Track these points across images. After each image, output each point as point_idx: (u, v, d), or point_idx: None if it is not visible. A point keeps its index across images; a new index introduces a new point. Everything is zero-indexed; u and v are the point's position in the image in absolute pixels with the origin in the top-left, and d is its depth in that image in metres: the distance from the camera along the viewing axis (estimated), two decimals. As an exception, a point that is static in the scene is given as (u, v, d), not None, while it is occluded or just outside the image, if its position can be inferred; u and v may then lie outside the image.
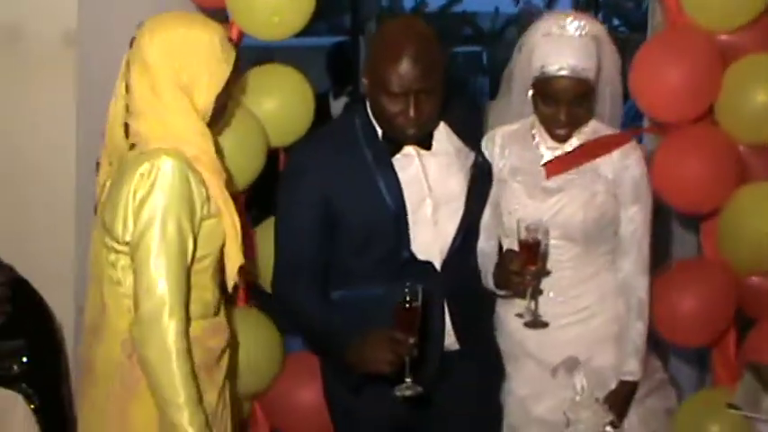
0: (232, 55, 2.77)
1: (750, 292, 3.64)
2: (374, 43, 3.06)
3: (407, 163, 3.04)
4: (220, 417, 2.84)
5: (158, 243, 2.62)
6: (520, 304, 3.15)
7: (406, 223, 3.01)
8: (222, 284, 2.91)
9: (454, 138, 3.12)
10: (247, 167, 3.46)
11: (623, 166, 3.22)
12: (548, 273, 3.19)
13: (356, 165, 2.99)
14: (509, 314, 3.26)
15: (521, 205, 3.18)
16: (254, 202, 3.85)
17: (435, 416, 3.13)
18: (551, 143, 3.25)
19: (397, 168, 3.01)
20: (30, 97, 3.83)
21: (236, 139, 3.36)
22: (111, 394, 2.75)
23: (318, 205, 2.98)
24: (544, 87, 3.13)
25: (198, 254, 2.72)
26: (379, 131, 3.01)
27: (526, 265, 3.01)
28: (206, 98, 2.72)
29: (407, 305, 2.75)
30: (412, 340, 2.75)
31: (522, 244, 3.03)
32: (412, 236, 3.01)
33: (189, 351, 2.65)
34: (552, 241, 3.19)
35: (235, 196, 3.44)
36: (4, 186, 3.82)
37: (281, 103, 3.56)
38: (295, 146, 3.22)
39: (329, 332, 2.96)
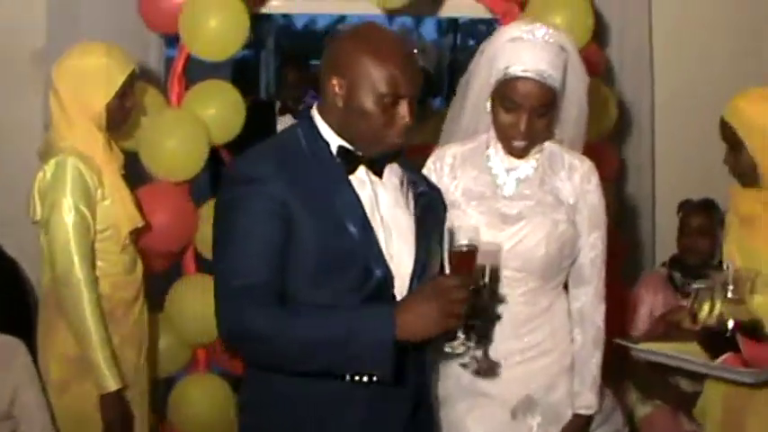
0: (118, 75, 3.59)
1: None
2: (358, 46, 2.58)
3: (360, 188, 2.64)
4: (122, 357, 3.63)
5: (60, 221, 3.48)
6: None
7: (375, 239, 2.60)
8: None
9: (396, 167, 2.75)
10: (193, 160, 4.29)
11: (584, 190, 3.04)
12: (506, 294, 2.98)
13: (311, 182, 2.57)
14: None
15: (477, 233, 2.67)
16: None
17: None
18: (508, 163, 3.03)
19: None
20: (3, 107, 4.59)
21: (184, 137, 4.24)
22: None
23: (280, 215, 2.52)
24: (506, 90, 2.90)
25: (99, 227, 3.57)
26: (334, 148, 2.64)
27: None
28: (97, 109, 3.58)
29: (465, 248, 2.51)
30: (473, 286, 2.49)
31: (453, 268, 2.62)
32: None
33: (98, 300, 3.54)
34: (507, 273, 2.97)
35: (182, 183, 4.32)
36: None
37: (220, 109, 4.36)
38: (237, 162, 2.77)
39: (339, 333, 2.42)
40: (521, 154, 3.00)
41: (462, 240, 2.56)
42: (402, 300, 2.52)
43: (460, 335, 2.54)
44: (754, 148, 3.17)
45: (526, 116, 2.88)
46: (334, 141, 2.63)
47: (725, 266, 3.18)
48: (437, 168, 3.09)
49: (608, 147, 4.61)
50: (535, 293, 3.03)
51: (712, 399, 3.39)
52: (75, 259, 3.50)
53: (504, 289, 2.98)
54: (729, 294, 3.07)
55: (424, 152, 3.22)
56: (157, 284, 4.37)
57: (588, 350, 3.08)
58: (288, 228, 2.51)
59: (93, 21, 4.43)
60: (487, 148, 3.06)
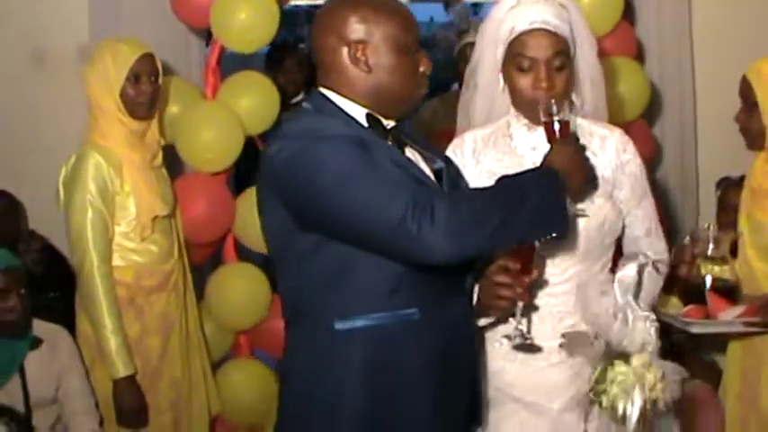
0: (125, 61, 3.74)
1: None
2: (362, 9, 2.57)
3: None
4: (143, 345, 3.81)
5: (76, 212, 3.68)
6: (505, 328, 2.75)
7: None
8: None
9: (411, 144, 2.71)
10: (228, 151, 4.43)
11: (621, 161, 2.89)
12: (545, 283, 2.83)
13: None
14: (493, 350, 2.89)
15: None
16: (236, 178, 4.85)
17: None
18: (533, 141, 2.85)
19: None
20: (51, 100, 4.80)
21: (219, 129, 4.39)
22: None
23: (366, 147, 2.46)
24: (517, 49, 2.80)
25: (121, 218, 3.75)
26: (362, 119, 2.58)
27: (518, 275, 2.57)
28: (112, 99, 3.73)
29: (562, 121, 2.64)
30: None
31: (513, 250, 2.57)
32: None
33: (111, 289, 3.70)
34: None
35: (219, 173, 4.45)
36: (32, 174, 4.76)
37: (254, 100, 4.48)
38: (281, 128, 2.68)
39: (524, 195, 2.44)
40: None
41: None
42: (548, 160, 2.57)
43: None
44: (767, 111, 3.18)
45: (545, 69, 2.77)
46: (359, 112, 2.59)
47: (706, 226, 3.27)
48: (458, 155, 2.95)
49: (642, 127, 4.62)
50: (578, 280, 2.84)
51: (731, 373, 3.47)
52: (90, 251, 3.67)
53: (545, 278, 2.83)
54: (710, 253, 3.19)
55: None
56: (199, 273, 4.53)
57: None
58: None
59: (133, 17, 4.62)
60: (509, 128, 2.93)
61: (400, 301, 2.52)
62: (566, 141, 2.62)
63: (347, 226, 2.42)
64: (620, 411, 2.61)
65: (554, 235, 2.48)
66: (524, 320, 2.71)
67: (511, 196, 2.43)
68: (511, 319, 2.71)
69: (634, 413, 2.60)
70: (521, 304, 2.63)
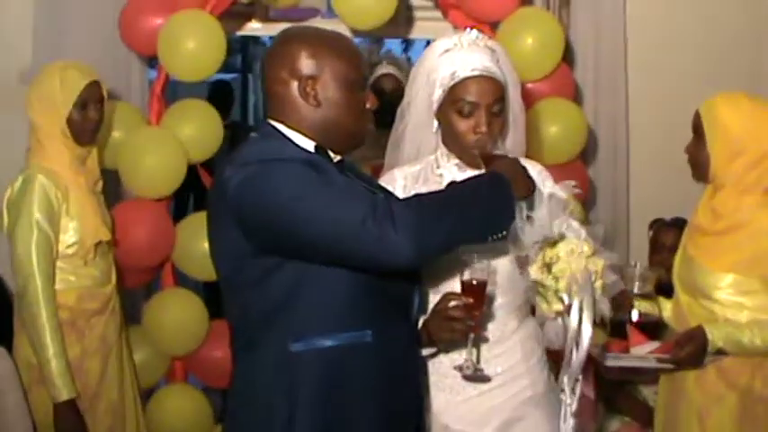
0: (73, 87, 3.74)
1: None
2: (315, 45, 2.66)
3: None
4: (83, 368, 3.80)
5: (22, 234, 3.67)
6: (453, 357, 2.90)
7: None
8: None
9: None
10: (171, 177, 4.45)
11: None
12: (492, 317, 2.95)
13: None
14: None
15: None
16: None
17: None
18: (462, 178, 2.81)
19: None
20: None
21: (162, 155, 4.41)
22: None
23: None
24: (459, 94, 2.88)
25: (66, 242, 3.74)
26: (311, 148, 2.65)
27: (470, 309, 2.70)
28: (57, 124, 3.73)
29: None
30: None
31: (466, 286, 2.72)
32: None
33: (55, 312, 3.68)
34: None
35: (161, 199, 4.47)
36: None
37: (197, 128, 4.53)
38: (239, 155, 2.62)
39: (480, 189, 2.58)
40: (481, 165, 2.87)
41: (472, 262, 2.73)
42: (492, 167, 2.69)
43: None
44: (712, 144, 3.30)
45: (486, 115, 2.87)
46: (308, 144, 2.66)
47: (633, 264, 3.37)
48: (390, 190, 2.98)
49: (578, 167, 4.73)
50: (504, 311, 2.98)
51: (659, 405, 3.58)
52: (34, 273, 3.66)
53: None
54: (636, 290, 3.29)
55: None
56: (133, 298, 4.56)
57: None
58: None
59: (76, 42, 4.62)
60: (438, 167, 3.04)
61: (354, 322, 2.59)
62: (504, 157, 2.74)
63: (309, 240, 2.47)
64: (564, 289, 2.67)
65: (503, 234, 2.58)
66: (474, 351, 2.84)
67: (463, 197, 2.55)
68: (459, 352, 2.86)
69: (582, 291, 2.65)
70: (472, 336, 2.76)
